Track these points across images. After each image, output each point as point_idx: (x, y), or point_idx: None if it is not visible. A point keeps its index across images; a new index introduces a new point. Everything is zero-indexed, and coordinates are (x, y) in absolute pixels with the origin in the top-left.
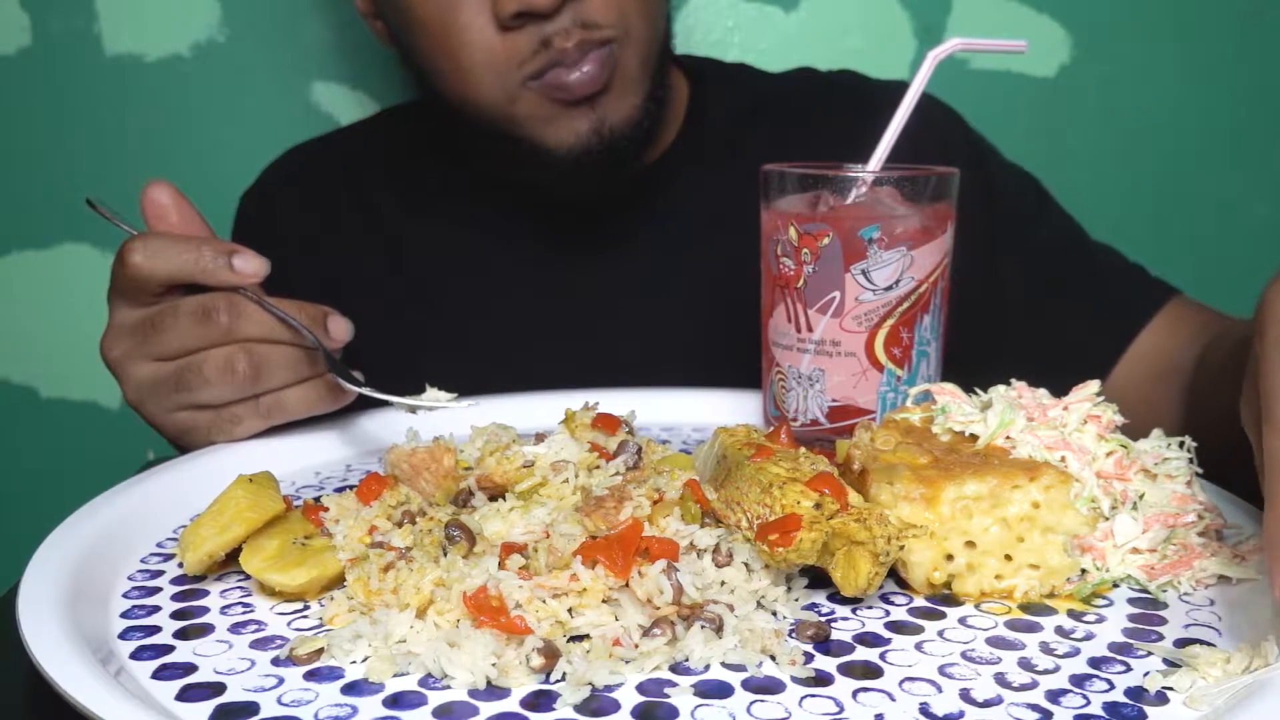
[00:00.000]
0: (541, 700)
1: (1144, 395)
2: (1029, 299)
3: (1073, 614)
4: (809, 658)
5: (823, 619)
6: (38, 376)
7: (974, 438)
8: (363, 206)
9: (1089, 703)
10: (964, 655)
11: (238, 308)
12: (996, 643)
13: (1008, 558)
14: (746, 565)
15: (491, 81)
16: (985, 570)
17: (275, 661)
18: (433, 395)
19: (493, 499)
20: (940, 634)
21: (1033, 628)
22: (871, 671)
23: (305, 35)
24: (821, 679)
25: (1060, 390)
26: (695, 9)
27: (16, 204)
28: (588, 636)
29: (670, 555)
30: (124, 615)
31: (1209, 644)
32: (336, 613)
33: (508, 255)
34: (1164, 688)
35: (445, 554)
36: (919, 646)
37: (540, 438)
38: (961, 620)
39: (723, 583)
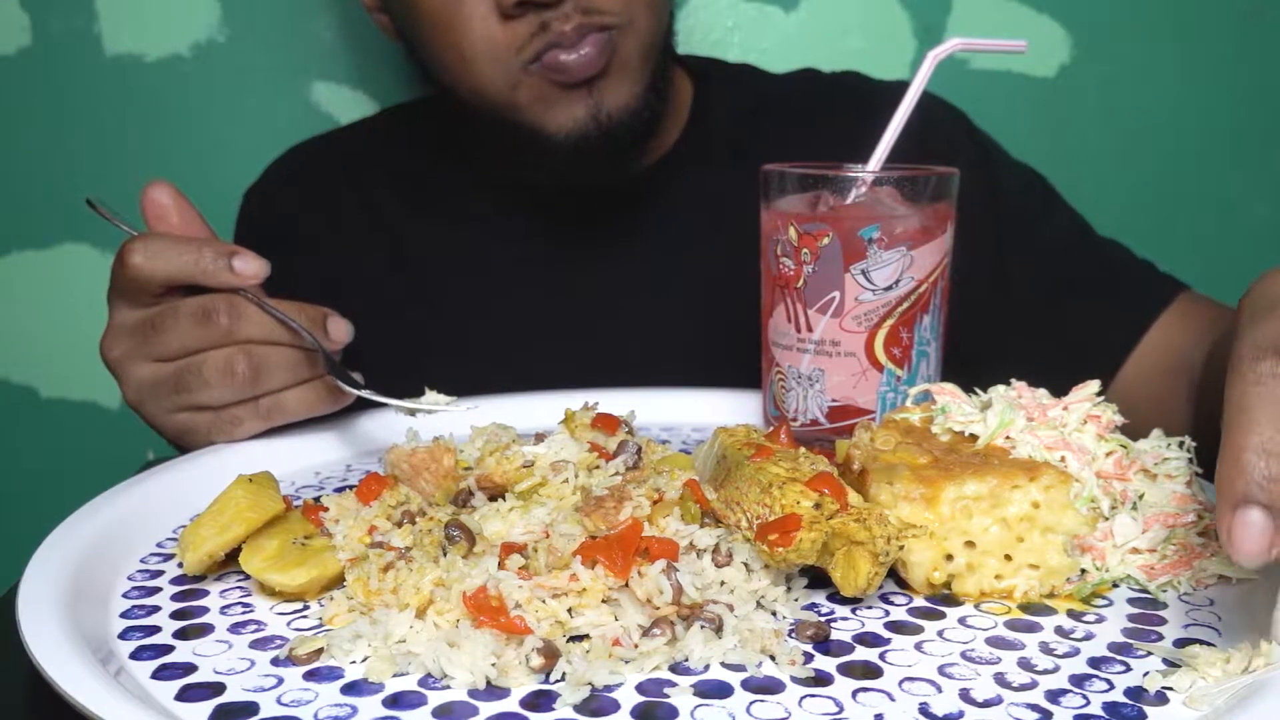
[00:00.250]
0: (541, 700)
1: (1154, 391)
2: (1038, 297)
3: (1072, 614)
4: (809, 658)
5: (822, 619)
6: (38, 376)
7: (974, 438)
8: (364, 205)
9: (1089, 703)
10: (964, 655)
11: (238, 309)
12: (996, 643)
13: (1007, 558)
14: (746, 565)
15: (493, 70)
16: (985, 570)
17: (275, 661)
18: (432, 398)
19: (493, 499)
20: (940, 634)
21: (1032, 628)
22: (871, 671)
23: (305, 35)
24: (821, 679)
25: (1069, 387)
26: (695, 9)
27: (16, 204)
28: (587, 636)
29: (670, 555)
30: (124, 615)
31: (1209, 644)
32: (336, 613)
33: (509, 255)
34: (1164, 688)
35: (445, 554)
36: (919, 646)
37: (540, 438)
38: (961, 620)
39: (722, 583)
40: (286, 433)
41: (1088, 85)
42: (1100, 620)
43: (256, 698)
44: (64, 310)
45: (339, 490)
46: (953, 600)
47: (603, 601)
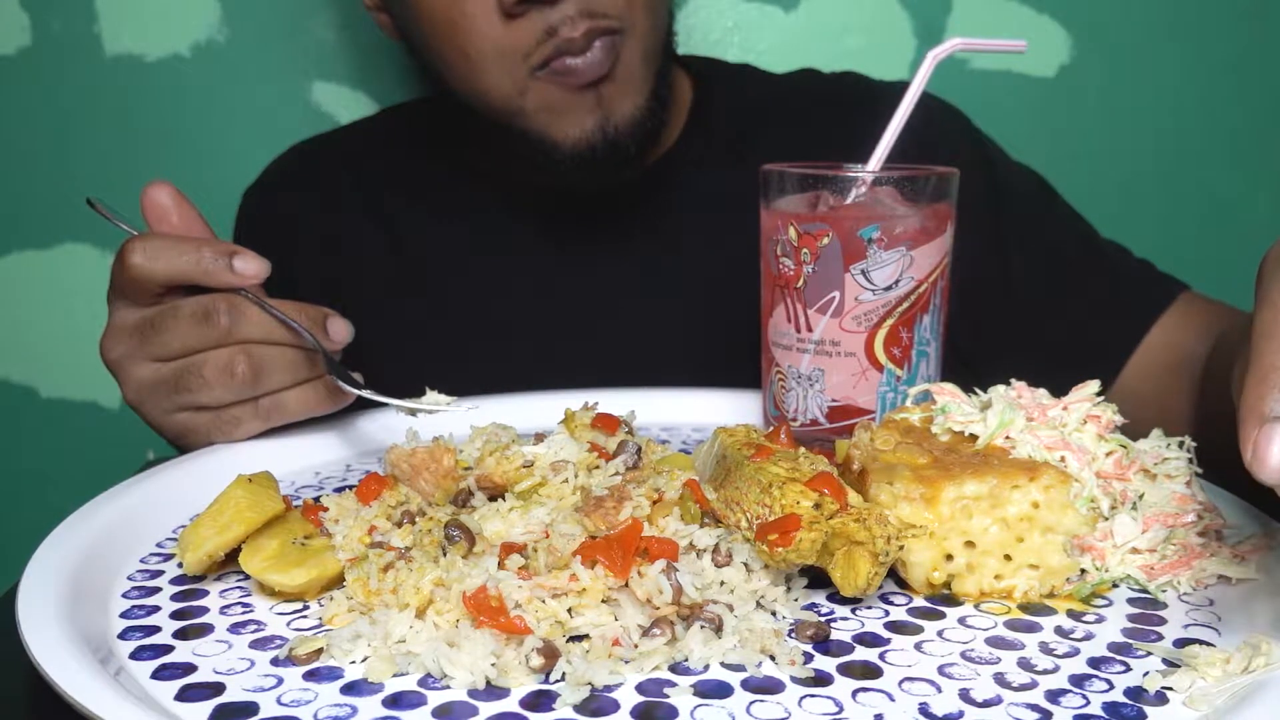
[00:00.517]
0: (541, 700)
1: (1157, 390)
2: (1039, 298)
3: (1072, 614)
4: (808, 658)
5: (822, 619)
6: (38, 376)
7: (974, 438)
8: (365, 205)
9: (1089, 703)
10: (963, 655)
11: (238, 309)
12: (996, 643)
13: (1007, 558)
14: (746, 565)
15: (499, 72)
16: (985, 570)
17: (275, 661)
18: (432, 398)
19: (492, 499)
20: (940, 634)
21: (1032, 628)
22: (871, 671)
23: (305, 35)
24: (821, 679)
25: (1070, 388)
26: (695, 9)
27: (16, 204)
28: (587, 636)
29: (670, 555)
30: (124, 615)
31: (1209, 644)
32: (336, 613)
33: (509, 255)
34: (1163, 688)
35: (445, 554)
36: (918, 646)
37: (540, 438)
38: (961, 620)
39: (722, 583)
40: (286, 433)
41: (1088, 85)
42: (1100, 620)
43: (256, 698)
44: (64, 310)
45: (339, 490)
46: (952, 600)
47: (603, 601)
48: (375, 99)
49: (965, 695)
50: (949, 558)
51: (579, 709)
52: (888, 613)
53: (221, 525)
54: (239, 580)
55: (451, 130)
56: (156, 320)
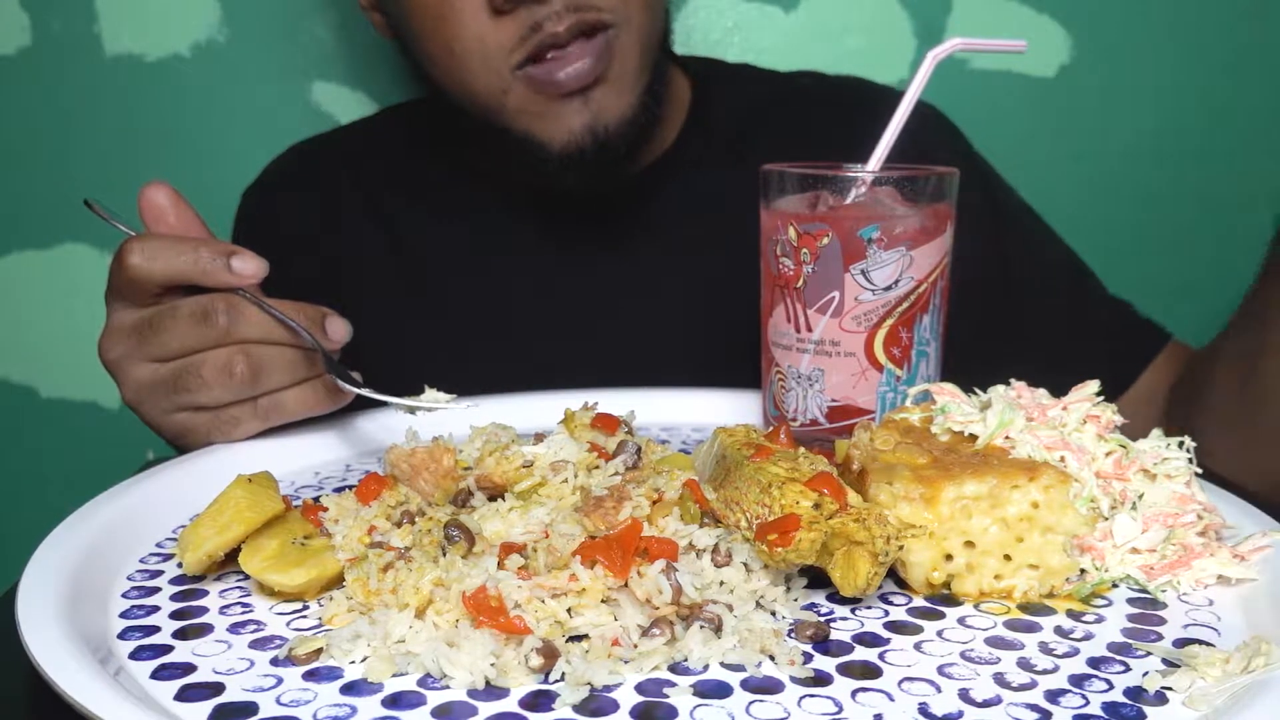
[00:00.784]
0: (541, 700)
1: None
2: (1030, 330)
3: (1072, 614)
4: (808, 658)
5: (822, 619)
6: (38, 376)
7: (973, 438)
8: (364, 204)
9: (1088, 703)
10: (963, 655)
11: (236, 309)
12: (995, 643)
13: (1007, 558)
14: (746, 565)
15: (483, 70)
16: (984, 570)
17: (274, 661)
18: (432, 396)
19: (492, 499)
20: (939, 634)
21: (1032, 628)
22: (870, 671)
23: (305, 35)
24: (820, 679)
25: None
26: (695, 9)
27: (16, 204)
28: (587, 636)
29: (669, 555)
30: (123, 615)
31: (1208, 644)
32: (336, 613)
33: (509, 254)
34: (1163, 688)
35: (444, 554)
36: (918, 646)
37: (540, 438)
38: (961, 620)
39: (722, 583)
40: (286, 433)
41: (1088, 85)
42: (1100, 620)
43: (256, 698)
44: (64, 310)
45: (338, 490)
46: (952, 600)
47: (602, 601)
48: (375, 99)
49: (965, 695)
50: (949, 558)
51: (578, 709)
52: (887, 613)
53: (221, 525)
54: (239, 580)
55: (450, 130)
56: (155, 320)
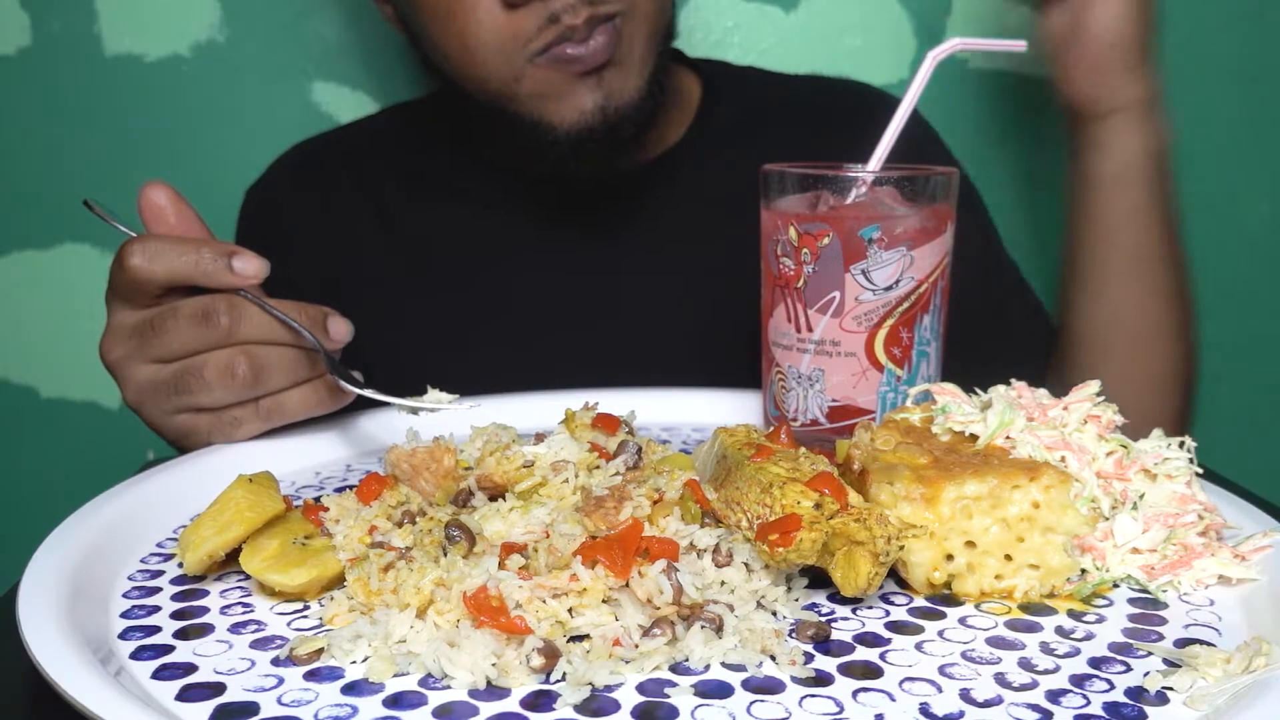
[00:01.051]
0: (541, 700)
1: None
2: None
3: (1073, 614)
4: (809, 658)
5: (823, 619)
6: (38, 376)
7: (974, 438)
8: (367, 202)
9: (1089, 703)
10: (964, 655)
11: (238, 310)
12: (996, 643)
13: (1008, 558)
14: (746, 565)
15: (497, 60)
16: (985, 570)
17: (275, 661)
18: (434, 396)
19: (493, 499)
20: (940, 634)
21: (1033, 628)
22: (871, 671)
23: (305, 35)
24: (821, 679)
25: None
26: (695, 9)
27: (16, 204)
28: (588, 636)
29: (670, 555)
30: (124, 615)
31: (1209, 644)
32: (336, 613)
33: (511, 254)
34: (1164, 688)
35: (445, 554)
36: (919, 646)
37: (540, 438)
38: (961, 620)
39: (723, 583)
40: (286, 433)
41: None
42: (1100, 620)
43: (257, 698)
44: (64, 310)
45: (339, 490)
46: (953, 600)
47: (603, 601)
48: (375, 99)
49: (966, 695)
50: (949, 558)
51: (579, 709)
52: (888, 613)
53: (222, 525)
54: (239, 580)
55: (453, 126)
56: (156, 322)
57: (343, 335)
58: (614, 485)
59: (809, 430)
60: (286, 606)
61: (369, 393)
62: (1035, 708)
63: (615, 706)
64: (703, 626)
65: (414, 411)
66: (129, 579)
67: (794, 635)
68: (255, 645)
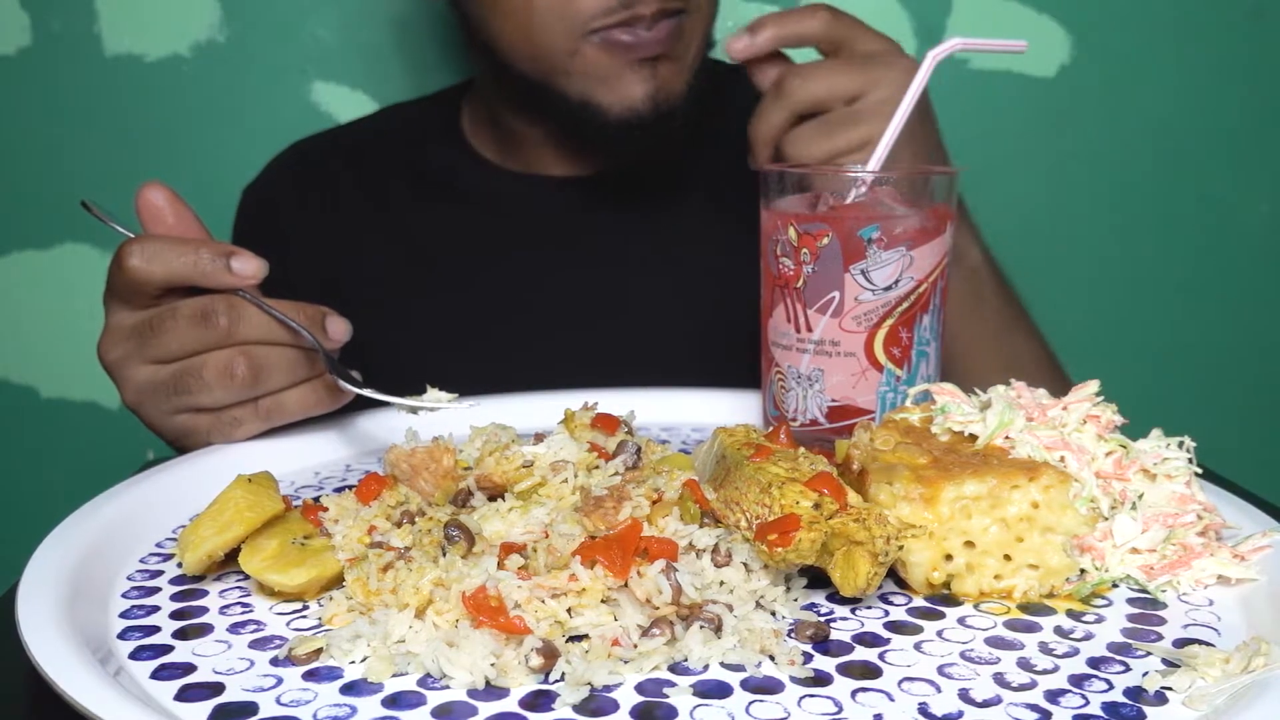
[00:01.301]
0: (541, 700)
1: None
2: None
3: (1072, 614)
4: (808, 658)
5: (822, 619)
6: (38, 376)
7: (973, 438)
8: (364, 202)
9: (1088, 703)
10: (963, 655)
11: (236, 310)
12: (995, 643)
13: (1007, 558)
14: (745, 565)
15: (558, 29)
16: (984, 570)
17: (274, 661)
18: (433, 396)
19: (492, 499)
20: (939, 634)
21: (1032, 628)
22: (870, 671)
23: (305, 35)
24: (820, 679)
25: None
26: None
27: (16, 204)
28: (587, 636)
29: (669, 555)
30: (123, 615)
31: (1208, 644)
32: (336, 613)
33: (511, 254)
34: (1163, 688)
35: (444, 554)
36: (918, 646)
37: (540, 438)
38: (960, 620)
39: (722, 583)
40: (286, 433)
41: (1088, 85)
42: (1100, 620)
43: (256, 698)
44: (64, 310)
45: (338, 490)
46: (952, 600)
47: (602, 601)
48: (375, 99)
49: (965, 695)
50: (948, 558)
51: (578, 709)
52: (887, 613)
53: (221, 525)
54: (239, 580)
55: (456, 125)
56: (155, 322)
57: (341, 335)
58: (613, 485)
59: (808, 430)
60: (286, 606)
61: (368, 392)
62: (1034, 708)
63: (614, 706)
64: (702, 626)
65: (413, 411)
66: (128, 579)
67: (793, 635)
68: (254, 645)
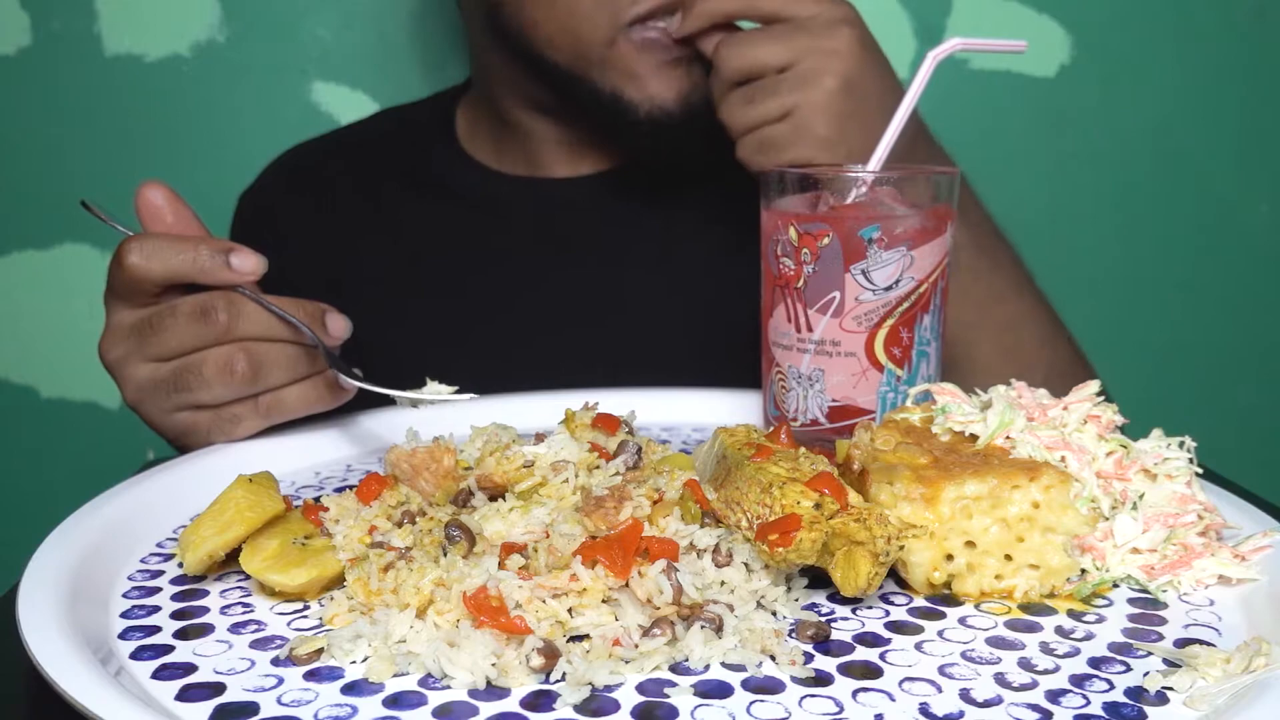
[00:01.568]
0: (541, 700)
1: None
2: None
3: (1073, 614)
4: (809, 658)
5: (823, 619)
6: (38, 376)
7: (974, 438)
8: (362, 203)
9: (1089, 703)
10: (964, 655)
11: (236, 306)
12: (996, 643)
13: (1008, 558)
14: (746, 565)
15: (599, 16)
16: (985, 570)
17: (275, 661)
18: (434, 388)
19: (493, 499)
20: (940, 634)
21: (1033, 628)
22: (871, 671)
23: (305, 35)
24: (821, 679)
25: None
26: None
27: (16, 204)
28: (588, 636)
29: (670, 555)
30: (124, 615)
31: (1209, 644)
32: (336, 613)
33: (511, 253)
34: (1164, 688)
35: (445, 554)
36: (919, 646)
37: (540, 438)
38: (961, 620)
39: (722, 583)
40: (286, 432)
41: (1088, 85)
42: (1100, 620)
43: (257, 698)
44: (64, 310)
45: (339, 490)
46: (953, 600)
47: (603, 601)
48: (375, 99)
49: (966, 695)
50: (949, 558)
51: (579, 709)
52: (888, 613)
53: (222, 525)
54: (239, 580)
55: (451, 127)
56: (154, 320)
57: (341, 331)
58: (614, 485)
59: (809, 430)
60: (286, 606)
61: (369, 386)
62: (1035, 708)
63: (615, 706)
64: (702, 626)
65: (414, 404)
66: (129, 579)
67: (794, 635)
68: (255, 645)
